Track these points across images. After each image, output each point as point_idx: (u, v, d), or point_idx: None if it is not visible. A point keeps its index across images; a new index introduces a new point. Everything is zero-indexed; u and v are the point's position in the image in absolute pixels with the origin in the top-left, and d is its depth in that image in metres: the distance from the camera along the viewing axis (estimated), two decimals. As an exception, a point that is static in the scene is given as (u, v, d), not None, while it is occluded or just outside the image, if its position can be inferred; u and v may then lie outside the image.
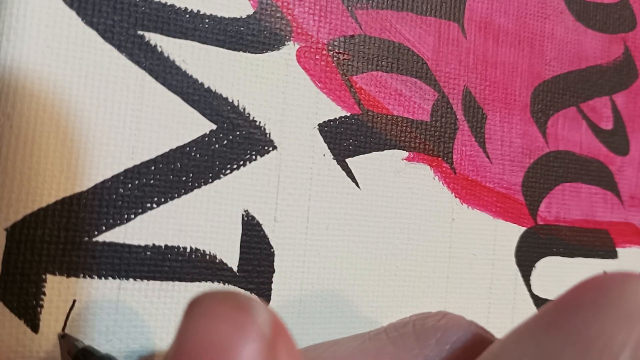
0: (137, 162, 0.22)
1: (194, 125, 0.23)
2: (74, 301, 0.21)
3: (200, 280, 0.23)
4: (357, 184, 0.26)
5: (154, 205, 0.22)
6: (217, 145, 0.23)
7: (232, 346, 0.11)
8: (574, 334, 0.13)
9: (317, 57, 0.26)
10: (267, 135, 0.24)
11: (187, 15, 0.23)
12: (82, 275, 0.21)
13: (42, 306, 0.21)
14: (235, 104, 0.24)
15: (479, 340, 0.17)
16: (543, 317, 0.14)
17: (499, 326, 0.29)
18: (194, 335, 0.12)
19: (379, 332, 0.18)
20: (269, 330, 0.12)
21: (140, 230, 0.22)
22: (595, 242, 0.32)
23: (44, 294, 0.21)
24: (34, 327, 0.21)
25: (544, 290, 0.31)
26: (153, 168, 0.22)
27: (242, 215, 0.24)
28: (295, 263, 0.25)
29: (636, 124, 0.34)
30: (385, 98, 0.27)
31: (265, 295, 0.24)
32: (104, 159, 0.22)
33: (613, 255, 0.33)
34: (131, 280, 0.22)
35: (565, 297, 0.14)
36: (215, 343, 0.11)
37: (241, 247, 0.24)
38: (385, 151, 0.27)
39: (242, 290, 0.12)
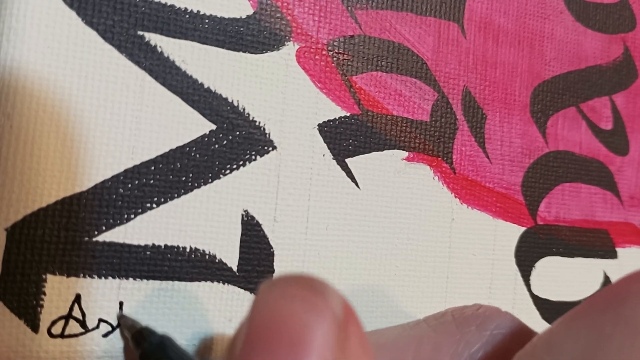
0: (137, 162, 0.22)
1: (193, 125, 0.23)
2: (79, 296, 0.21)
3: (200, 280, 0.23)
4: (356, 184, 0.26)
5: (154, 205, 0.22)
6: (216, 145, 0.24)
7: (306, 326, 0.11)
8: (625, 315, 0.14)
9: (317, 57, 0.26)
10: (267, 135, 0.24)
11: (187, 16, 0.23)
12: (82, 275, 0.21)
13: (42, 306, 0.21)
14: (235, 104, 0.24)
15: (517, 328, 0.17)
16: (595, 303, 0.15)
17: (499, 326, 0.29)
18: (267, 314, 0.12)
19: (418, 322, 0.18)
20: (341, 313, 0.12)
21: (140, 230, 0.22)
22: (595, 242, 0.32)
23: (44, 294, 0.21)
24: (34, 327, 0.21)
25: (544, 290, 0.31)
26: (153, 168, 0.22)
27: (242, 215, 0.24)
28: (295, 263, 0.25)
29: (636, 124, 0.34)
30: (385, 98, 0.27)
31: (265, 295, 0.24)
32: (104, 159, 0.22)
33: (613, 255, 0.33)
34: (131, 280, 0.22)
35: (617, 285, 0.15)
36: (289, 322, 0.11)
37: (241, 247, 0.24)
38: (385, 151, 0.27)
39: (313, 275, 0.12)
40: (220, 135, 0.24)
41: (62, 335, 0.21)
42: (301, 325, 0.11)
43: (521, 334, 0.17)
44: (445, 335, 0.17)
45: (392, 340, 0.18)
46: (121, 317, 0.22)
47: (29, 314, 0.21)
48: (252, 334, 0.12)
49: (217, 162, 0.23)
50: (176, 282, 0.23)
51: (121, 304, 0.22)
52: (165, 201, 0.23)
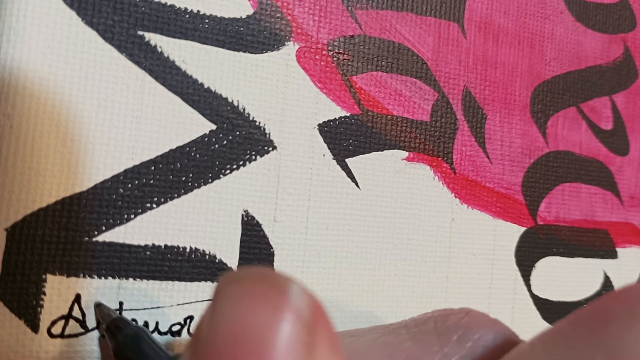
0: (137, 162, 0.22)
1: (194, 125, 0.23)
2: (79, 296, 0.21)
3: (200, 280, 0.23)
4: (357, 184, 0.26)
5: (154, 205, 0.22)
6: (217, 146, 0.24)
7: (268, 329, 0.11)
8: (607, 341, 0.13)
9: (317, 57, 0.26)
10: (267, 135, 0.24)
11: (187, 16, 0.23)
12: (82, 275, 0.21)
13: (42, 306, 0.21)
14: (235, 104, 0.24)
15: (502, 339, 0.16)
16: (576, 322, 0.14)
17: (499, 326, 0.29)
18: (226, 316, 0.11)
19: (399, 327, 0.17)
20: (308, 313, 0.11)
21: (140, 230, 0.22)
22: (595, 242, 0.32)
23: (44, 294, 0.21)
24: (34, 327, 0.21)
25: (544, 291, 0.31)
26: (153, 168, 0.22)
27: (242, 215, 0.24)
28: (295, 263, 0.25)
29: (636, 124, 0.34)
30: (385, 98, 0.27)
31: (265, 295, 0.24)
32: (104, 159, 0.22)
33: (613, 255, 0.33)
34: (131, 280, 0.22)
35: (600, 304, 0.14)
36: (250, 325, 0.11)
37: (241, 247, 0.24)
38: (385, 151, 0.27)
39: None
40: (220, 135, 0.24)
41: (62, 336, 0.21)
42: (263, 331, 0.11)
43: (506, 347, 0.16)
44: (422, 345, 0.16)
45: (365, 347, 0.16)
46: (98, 306, 0.21)
47: (29, 314, 0.21)
48: (210, 343, 0.11)
49: (217, 162, 0.23)
50: (176, 283, 0.23)
51: (121, 304, 0.22)
52: (165, 201, 0.23)
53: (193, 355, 0.11)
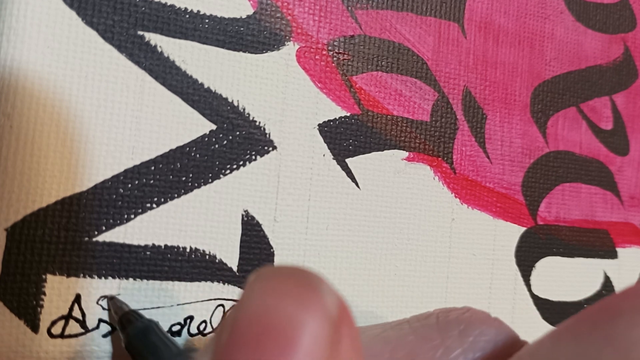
0: (137, 162, 0.22)
1: (194, 125, 0.23)
2: (78, 296, 0.21)
3: (200, 280, 0.23)
4: (357, 184, 0.26)
5: (154, 205, 0.22)
6: (217, 145, 0.24)
7: (296, 325, 0.11)
8: (614, 336, 0.13)
9: (317, 57, 0.26)
10: (267, 135, 0.24)
11: (187, 16, 0.23)
12: (82, 275, 0.21)
13: (42, 306, 0.21)
14: (235, 104, 0.24)
15: (504, 336, 0.16)
16: (583, 319, 0.14)
17: (499, 326, 0.29)
18: (255, 309, 0.11)
19: (401, 323, 0.17)
20: (335, 312, 0.12)
21: (140, 230, 0.22)
22: (595, 242, 0.32)
23: (44, 294, 0.21)
24: (34, 327, 0.21)
25: (544, 290, 0.31)
26: (153, 168, 0.22)
27: (242, 215, 0.24)
28: (295, 263, 0.25)
29: (636, 124, 0.34)
30: (385, 98, 0.27)
31: (265, 295, 0.24)
32: (104, 159, 0.22)
33: (613, 255, 0.33)
34: (131, 280, 0.22)
35: (606, 302, 0.14)
36: (278, 320, 0.11)
37: (241, 247, 0.24)
38: (385, 151, 0.27)
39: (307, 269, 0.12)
40: (220, 135, 0.24)
41: (62, 336, 0.21)
42: (291, 324, 0.11)
43: (508, 343, 0.16)
44: (424, 339, 0.16)
45: (368, 342, 0.17)
46: (111, 299, 0.21)
47: (29, 314, 0.21)
48: (238, 330, 0.11)
49: (217, 162, 0.23)
50: (176, 283, 0.23)
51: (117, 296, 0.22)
52: (165, 201, 0.23)
53: (218, 342, 0.11)
